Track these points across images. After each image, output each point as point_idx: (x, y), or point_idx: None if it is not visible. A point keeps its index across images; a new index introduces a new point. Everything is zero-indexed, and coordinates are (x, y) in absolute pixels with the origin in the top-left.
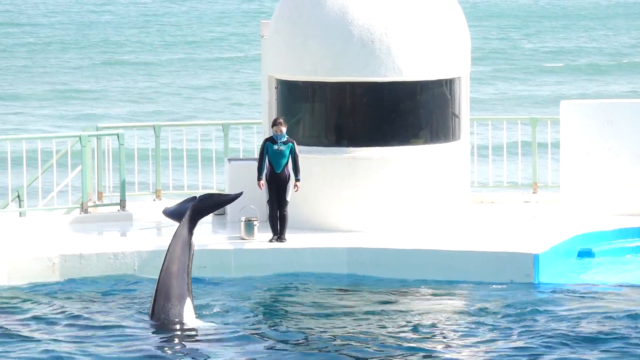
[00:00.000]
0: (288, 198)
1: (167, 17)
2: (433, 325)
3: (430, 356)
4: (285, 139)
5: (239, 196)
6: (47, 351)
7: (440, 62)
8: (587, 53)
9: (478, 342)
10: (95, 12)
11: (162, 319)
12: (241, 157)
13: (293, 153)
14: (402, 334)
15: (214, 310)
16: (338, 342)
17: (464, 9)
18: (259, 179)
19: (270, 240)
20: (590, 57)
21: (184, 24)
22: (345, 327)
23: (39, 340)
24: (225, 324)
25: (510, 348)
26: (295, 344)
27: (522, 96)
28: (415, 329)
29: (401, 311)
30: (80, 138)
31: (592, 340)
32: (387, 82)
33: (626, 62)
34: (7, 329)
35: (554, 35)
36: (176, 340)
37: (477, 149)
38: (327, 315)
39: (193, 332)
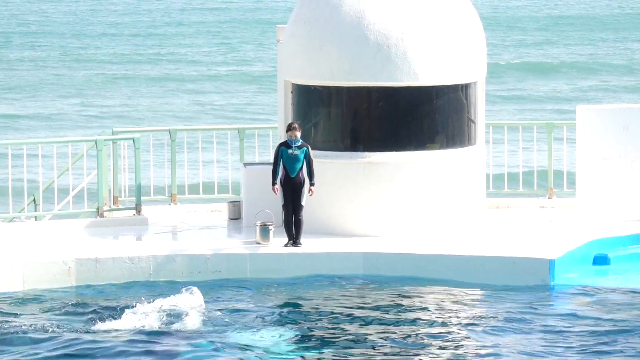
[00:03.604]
0: (303, 202)
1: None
2: (447, 330)
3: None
4: (299, 144)
5: None
6: (60, 355)
7: (456, 66)
8: None
9: (492, 347)
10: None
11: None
12: (257, 161)
13: (307, 157)
14: (417, 338)
15: (230, 313)
16: (353, 346)
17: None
18: (274, 183)
19: (286, 245)
20: None
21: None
22: (359, 331)
23: (53, 345)
24: (239, 328)
25: (524, 353)
26: (309, 348)
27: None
28: (429, 333)
29: (416, 316)
30: (96, 142)
31: (606, 345)
32: (403, 86)
33: None
34: (21, 332)
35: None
36: (188, 346)
37: (492, 154)
38: (342, 320)
39: (207, 338)
